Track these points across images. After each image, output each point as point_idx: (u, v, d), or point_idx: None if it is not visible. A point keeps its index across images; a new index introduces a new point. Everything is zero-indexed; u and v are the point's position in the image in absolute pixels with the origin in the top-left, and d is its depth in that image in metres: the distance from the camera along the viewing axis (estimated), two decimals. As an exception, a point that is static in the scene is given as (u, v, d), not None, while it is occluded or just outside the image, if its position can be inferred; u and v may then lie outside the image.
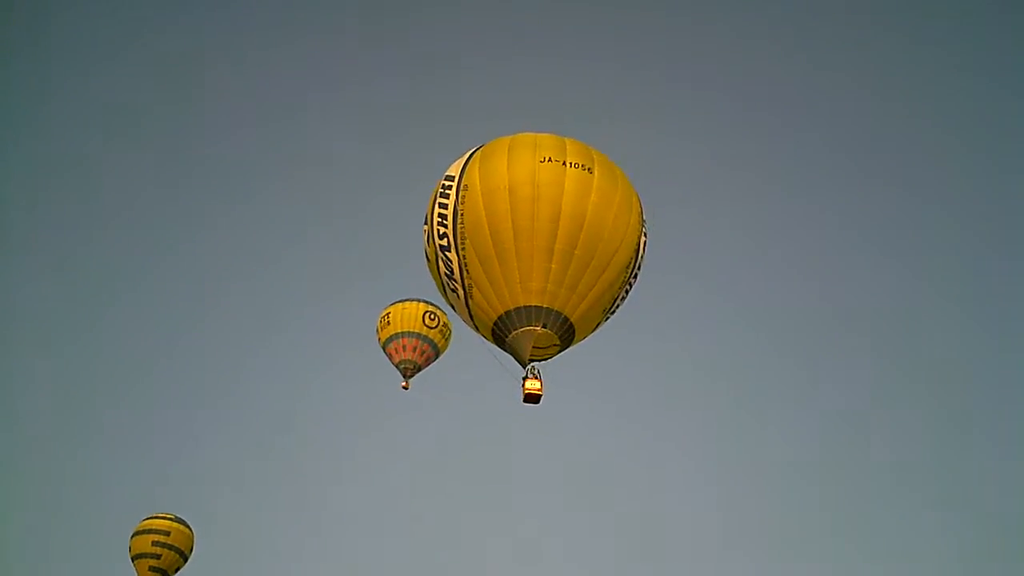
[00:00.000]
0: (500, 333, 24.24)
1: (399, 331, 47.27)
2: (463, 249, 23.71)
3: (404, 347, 47.28)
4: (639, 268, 25.39)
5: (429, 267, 25.25)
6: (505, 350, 24.79)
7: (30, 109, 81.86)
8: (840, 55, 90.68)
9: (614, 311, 25.55)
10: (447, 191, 24.08)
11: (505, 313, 23.85)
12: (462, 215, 23.66)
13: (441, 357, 47.92)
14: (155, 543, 44.05)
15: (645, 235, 25.37)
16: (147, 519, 44.82)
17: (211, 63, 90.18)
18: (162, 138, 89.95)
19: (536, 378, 24.44)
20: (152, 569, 43.95)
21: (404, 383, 47.61)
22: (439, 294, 26.13)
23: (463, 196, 23.71)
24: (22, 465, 67.94)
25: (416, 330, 47.07)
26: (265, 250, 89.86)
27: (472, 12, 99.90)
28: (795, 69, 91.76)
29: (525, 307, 23.70)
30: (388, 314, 47.62)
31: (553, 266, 23.44)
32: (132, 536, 44.34)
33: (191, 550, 45.39)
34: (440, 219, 24.10)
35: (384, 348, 47.63)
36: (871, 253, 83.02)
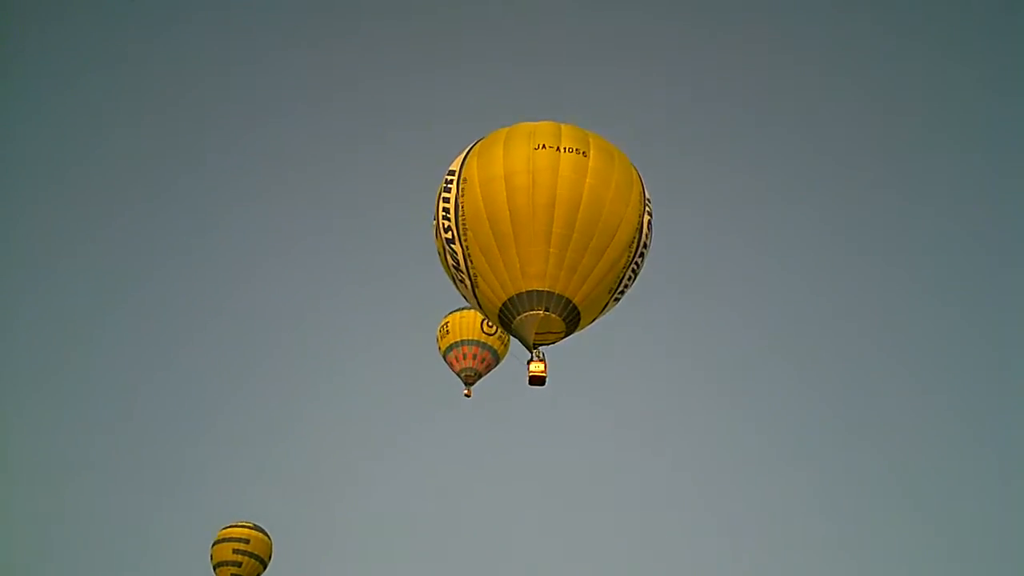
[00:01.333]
0: (506, 319, 24.95)
1: (459, 339, 48.40)
2: (465, 240, 24.54)
3: (465, 355, 48.36)
4: (645, 247, 25.60)
5: (440, 261, 26.15)
6: (513, 335, 25.49)
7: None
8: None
9: (623, 292, 25.82)
10: (449, 186, 25.03)
11: (509, 299, 24.53)
12: (463, 207, 24.53)
13: (501, 362, 48.82)
14: (236, 551, 46.12)
15: (649, 214, 25.58)
16: (226, 528, 46.96)
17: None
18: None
19: (540, 360, 24.98)
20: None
21: (466, 391, 48.67)
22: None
23: (463, 189, 24.60)
24: (102, 475, 72.39)
25: (476, 338, 48.09)
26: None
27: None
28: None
29: (527, 292, 24.33)
30: (447, 323, 48.84)
31: (552, 250, 23.99)
32: (213, 545, 46.51)
33: (270, 557, 47.30)
34: (444, 213, 25.05)
35: (445, 357, 48.82)
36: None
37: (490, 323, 48.05)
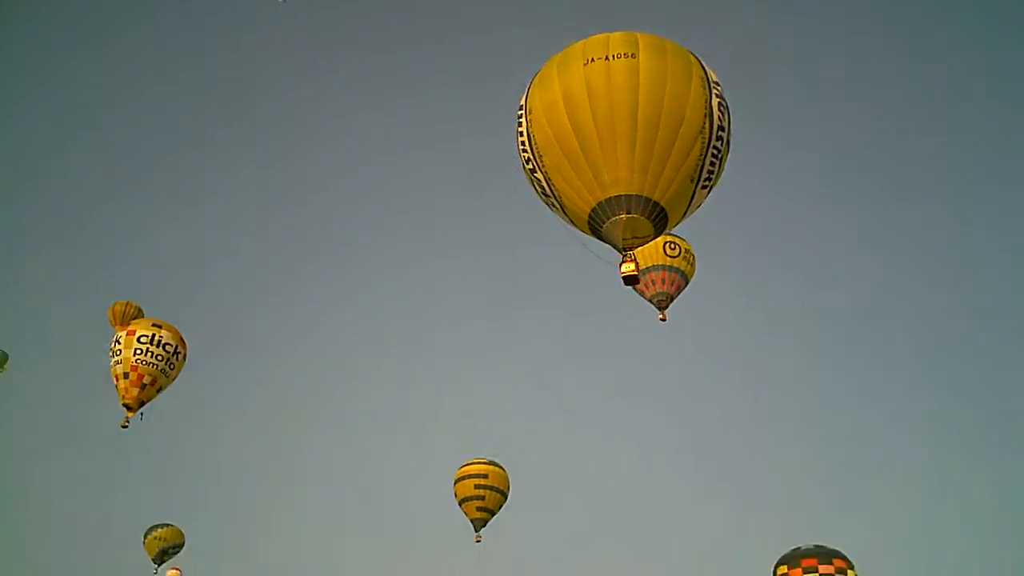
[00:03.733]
0: (596, 230, 26.66)
1: (646, 266, 49.87)
2: (543, 166, 26.49)
3: (654, 281, 49.78)
4: (722, 130, 25.83)
5: (535, 192, 28.22)
6: (606, 243, 27.09)
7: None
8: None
9: (709, 179, 26.24)
10: (520, 119, 27.03)
11: (592, 211, 26.18)
12: (533, 136, 26.45)
13: (691, 282, 49.66)
14: (477, 486, 51.06)
15: (719, 96, 25.82)
16: (465, 465, 51.97)
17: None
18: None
19: (631, 260, 26.43)
20: (479, 509, 50.92)
21: (661, 315, 50.06)
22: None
23: (530, 120, 26.48)
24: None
25: (661, 262, 49.32)
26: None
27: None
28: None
29: (606, 200, 25.84)
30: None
31: (619, 156, 25.31)
32: (455, 483, 51.76)
33: (509, 488, 51.81)
34: (521, 146, 27.12)
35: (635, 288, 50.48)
36: None
37: (673, 245, 49.51)
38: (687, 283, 49.59)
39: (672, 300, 49.66)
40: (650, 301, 50.12)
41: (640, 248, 51.03)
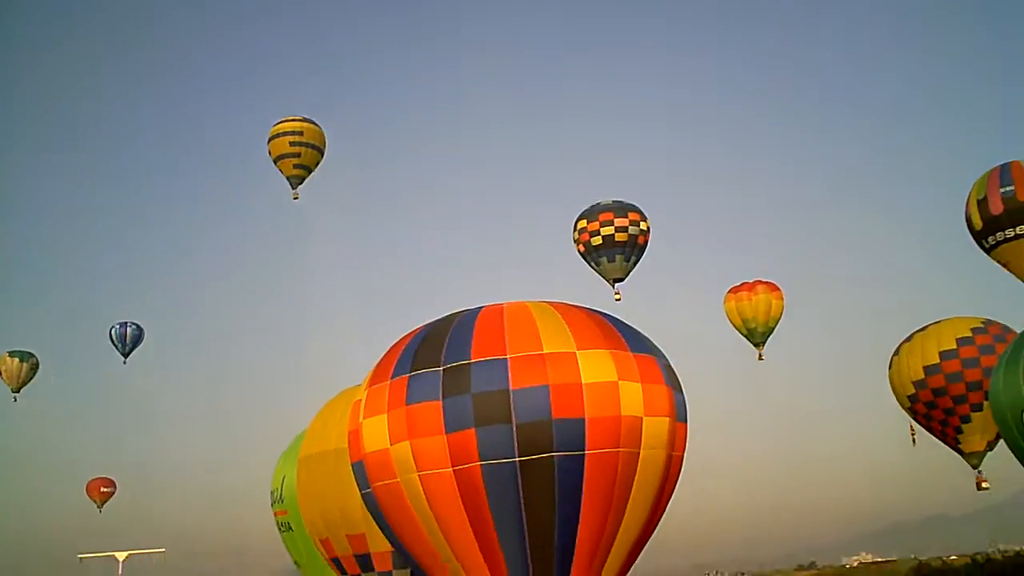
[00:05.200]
0: None
1: None
2: None
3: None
4: None
5: None
6: None
7: None
8: None
9: None
10: None
11: None
12: None
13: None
14: (293, 143, 48.52)
15: None
16: (278, 123, 48.35)
17: None
18: None
19: None
20: (296, 167, 49.31)
21: None
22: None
23: None
24: None
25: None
26: None
27: None
28: None
29: None
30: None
31: None
32: (269, 141, 48.59)
33: (325, 145, 50.05)
34: None
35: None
36: None
37: None
38: None
39: None
40: None
41: None
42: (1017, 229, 47.51)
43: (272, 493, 49.48)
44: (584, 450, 25.24)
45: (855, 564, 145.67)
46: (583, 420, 25.27)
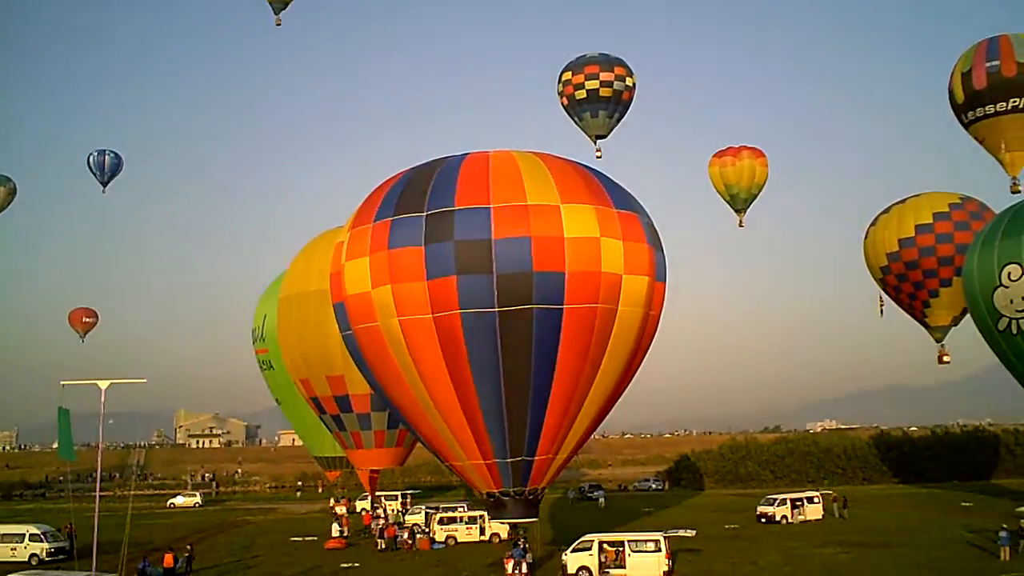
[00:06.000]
0: None
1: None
2: None
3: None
4: None
5: None
6: None
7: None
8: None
9: None
10: None
11: None
12: None
13: None
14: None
15: None
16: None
17: None
18: None
19: None
20: None
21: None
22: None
23: None
24: None
25: None
26: None
27: None
28: None
29: None
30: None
31: None
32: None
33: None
34: None
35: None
36: None
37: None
38: None
39: None
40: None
41: None
42: (997, 106, 46.64)
43: (253, 331, 50.33)
44: (563, 304, 25.61)
45: (819, 430, 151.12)
46: (563, 275, 25.54)
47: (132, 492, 64.23)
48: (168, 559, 32.33)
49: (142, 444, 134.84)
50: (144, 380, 27.74)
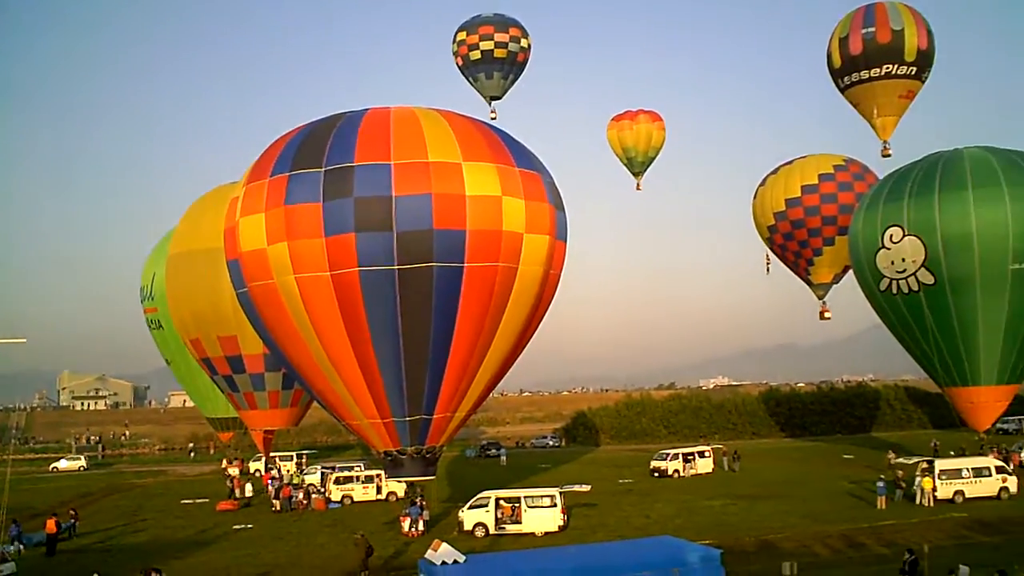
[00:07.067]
0: None
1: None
2: None
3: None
4: None
5: None
6: None
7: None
8: None
9: None
10: None
11: None
12: None
13: None
14: None
15: None
16: None
17: None
18: None
19: None
20: None
21: None
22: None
23: None
24: None
25: None
26: None
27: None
28: None
29: None
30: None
31: None
32: None
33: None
34: None
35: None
36: None
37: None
38: None
39: None
40: None
41: None
42: (872, 71, 48.51)
43: (142, 290, 48.49)
44: (463, 263, 25.46)
45: (712, 386, 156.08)
46: (464, 232, 25.35)
47: (11, 456, 61.57)
48: (50, 524, 31.02)
49: (22, 407, 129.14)
50: (24, 340, 26.45)
